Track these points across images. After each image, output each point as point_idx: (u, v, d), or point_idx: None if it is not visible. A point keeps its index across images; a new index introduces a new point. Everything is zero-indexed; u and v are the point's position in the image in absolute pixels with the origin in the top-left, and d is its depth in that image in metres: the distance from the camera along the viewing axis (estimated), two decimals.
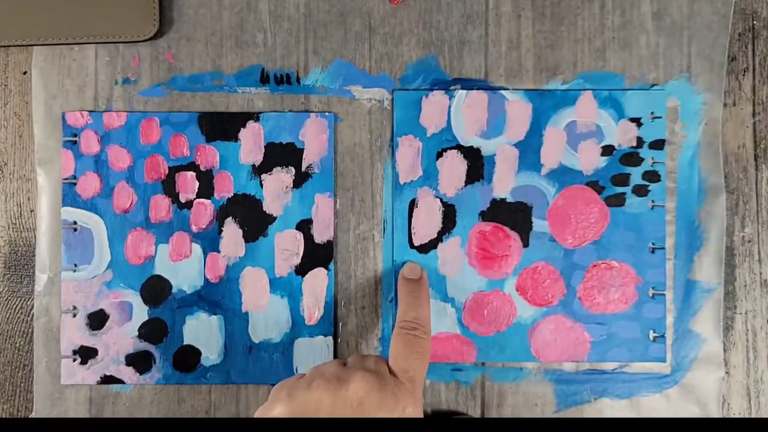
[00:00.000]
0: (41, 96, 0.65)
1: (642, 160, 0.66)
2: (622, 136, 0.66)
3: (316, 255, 0.65)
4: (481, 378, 0.66)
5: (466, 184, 0.66)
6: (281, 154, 0.65)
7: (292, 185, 0.65)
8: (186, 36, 0.66)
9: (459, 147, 0.66)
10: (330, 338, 0.65)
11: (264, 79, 0.66)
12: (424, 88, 0.66)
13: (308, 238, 0.65)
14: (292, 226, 0.65)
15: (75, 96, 0.66)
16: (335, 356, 0.65)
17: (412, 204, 0.65)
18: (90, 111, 0.65)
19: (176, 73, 0.66)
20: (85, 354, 0.65)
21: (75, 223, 0.65)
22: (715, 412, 0.66)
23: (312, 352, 0.65)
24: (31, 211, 0.66)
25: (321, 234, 0.65)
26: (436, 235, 0.66)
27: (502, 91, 0.66)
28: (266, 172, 0.65)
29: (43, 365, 0.65)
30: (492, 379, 0.66)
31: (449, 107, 0.66)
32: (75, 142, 0.65)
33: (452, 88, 0.66)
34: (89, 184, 0.65)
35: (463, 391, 0.66)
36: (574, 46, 0.66)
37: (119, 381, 0.65)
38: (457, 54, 0.66)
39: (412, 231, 0.65)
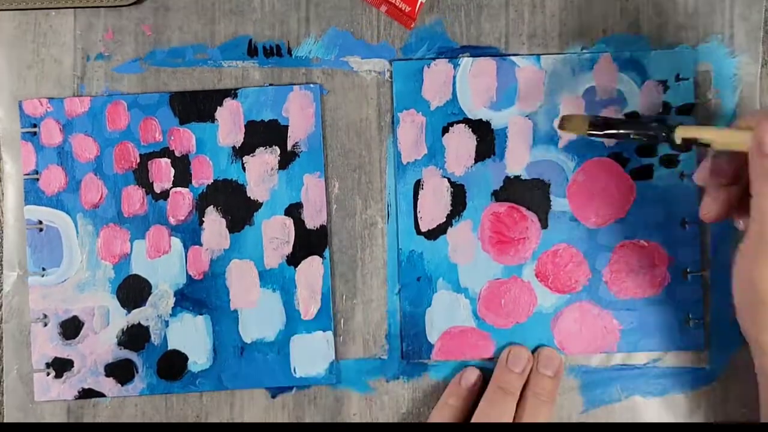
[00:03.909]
0: (7, 75, 0.59)
1: None
2: (647, 101, 0.58)
3: (309, 242, 0.58)
4: None
5: (475, 162, 0.58)
6: (264, 132, 0.59)
7: (277, 167, 0.58)
8: (164, 5, 0.59)
9: (466, 120, 0.58)
10: (329, 333, 0.58)
11: (252, 52, 0.59)
12: (429, 57, 0.59)
13: (299, 224, 0.58)
14: (281, 211, 0.58)
15: (46, 73, 0.59)
16: (336, 353, 0.58)
17: (417, 185, 0.58)
18: (50, 98, 0.58)
19: (155, 47, 0.59)
20: (60, 366, 0.57)
21: (40, 222, 0.58)
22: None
23: (311, 350, 0.58)
24: (1, 193, 0.59)
25: (313, 219, 0.58)
26: (444, 219, 0.58)
27: (512, 57, 0.58)
28: (248, 154, 0.58)
29: (13, 373, 0.58)
30: None
31: (454, 77, 0.58)
32: (35, 133, 0.58)
33: (459, 56, 0.59)
34: (53, 179, 0.58)
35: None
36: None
37: (99, 394, 0.57)
38: (466, 19, 0.59)
39: (419, 215, 0.58)
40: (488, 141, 0.58)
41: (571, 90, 0.58)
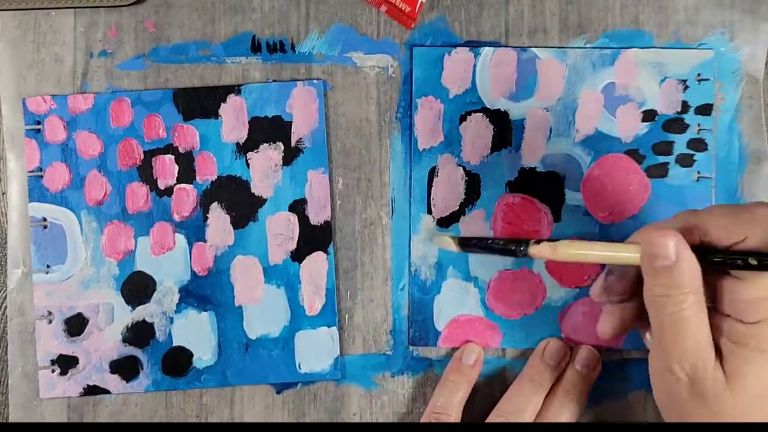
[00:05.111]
0: (9, 74, 0.57)
1: (687, 126, 0.57)
2: (666, 100, 0.57)
3: (313, 238, 0.57)
4: (503, 371, 0.58)
5: (491, 152, 0.57)
6: (267, 128, 0.57)
7: (281, 163, 0.57)
8: (167, 2, 0.57)
9: (485, 110, 0.57)
10: (334, 329, 0.57)
11: (255, 48, 0.57)
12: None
13: (303, 220, 0.57)
14: (285, 207, 0.57)
15: (47, 72, 0.57)
16: (341, 349, 0.57)
17: (432, 172, 0.57)
18: (53, 95, 0.57)
19: (158, 44, 0.57)
20: (65, 363, 0.56)
21: (44, 219, 0.56)
22: None
23: (315, 346, 0.57)
24: (3, 193, 0.58)
25: (317, 214, 0.57)
26: (458, 208, 0.57)
27: (534, 49, 0.56)
28: (252, 150, 0.57)
29: (18, 371, 0.57)
30: (515, 371, 0.57)
31: (474, 66, 0.57)
32: (39, 130, 0.57)
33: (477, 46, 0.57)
34: (57, 176, 0.57)
35: (481, 383, 0.57)
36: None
37: (104, 391, 0.56)
38: (465, 18, 0.57)
39: (432, 203, 0.57)
40: (505, 131, 0.57)
41: (591, 84, 0.56)
